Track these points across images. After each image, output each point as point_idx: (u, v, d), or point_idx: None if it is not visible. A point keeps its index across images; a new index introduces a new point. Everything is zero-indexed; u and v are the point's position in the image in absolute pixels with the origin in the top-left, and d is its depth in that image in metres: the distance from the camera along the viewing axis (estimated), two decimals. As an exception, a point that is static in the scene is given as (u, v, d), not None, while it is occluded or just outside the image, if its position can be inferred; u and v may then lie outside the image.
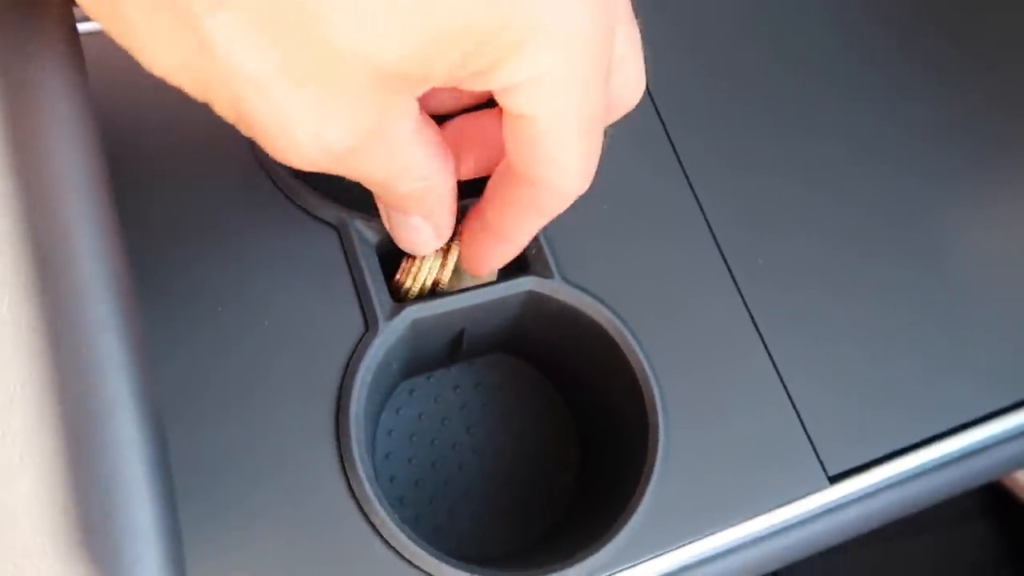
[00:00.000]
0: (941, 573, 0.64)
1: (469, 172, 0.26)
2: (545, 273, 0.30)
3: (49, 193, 0.17)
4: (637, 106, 0.34)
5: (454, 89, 0.23)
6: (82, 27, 0.28)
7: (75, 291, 0.16)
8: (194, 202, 0.28)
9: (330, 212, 0.29)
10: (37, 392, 0.15)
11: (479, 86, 0.19)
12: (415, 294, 0.29)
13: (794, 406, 0.30)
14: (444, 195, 0.24)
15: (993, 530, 0.65)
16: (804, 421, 0.30)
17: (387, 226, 0.26)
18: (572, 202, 0.23)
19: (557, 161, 0.21)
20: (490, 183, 0.25)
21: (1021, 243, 0.36)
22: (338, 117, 0.18)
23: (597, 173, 0.32)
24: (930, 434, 0.31)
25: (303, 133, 0.18)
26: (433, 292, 0.30)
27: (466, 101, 0.27)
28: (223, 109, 0.18)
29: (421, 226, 0.25)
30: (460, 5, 0.16)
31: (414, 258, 0.28)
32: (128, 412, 0.16)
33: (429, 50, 0.17)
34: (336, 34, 0.16)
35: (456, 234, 0.29)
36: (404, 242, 0.26)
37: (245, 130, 0.19)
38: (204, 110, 0.29)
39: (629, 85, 0.23)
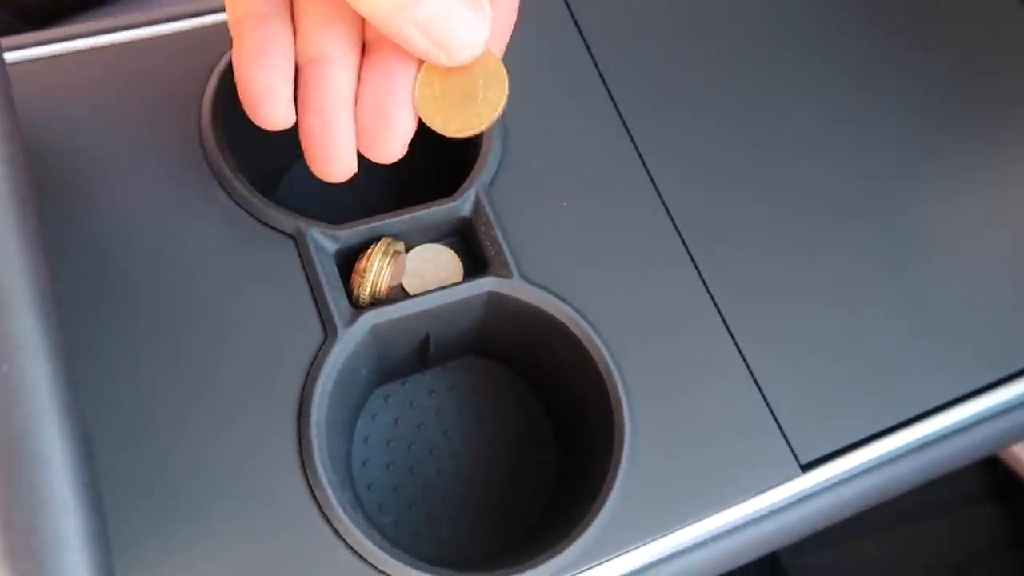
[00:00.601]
0: (947, 557, 0.63)
1: None
2: (504, 273, 0.30)
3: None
4: (593, 99, 0.34)
5: None
6: (11, 56, 0.28)
7: (-4, 309, 0.16)
8: (147, 214, 0.28)
9: (287, 222, 0.29)
10: (-43, 411, 0.15)
11: None
12: (367, 300, 0.29)
13: (763, 396, 0.30)
14: None
15: (1000, 512, 0.65)
16: (774, 410, 0.30)
17: (415, 42, 0.21)
18: None
19: None
20: None
21: (990, 224, 0.36)
22: None
23: (554, 169, 0.33)
24: (902, 419, 0.30)
25: None
26: (397, 296, 0.30)
27: None
28: None
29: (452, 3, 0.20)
30: None
31: (363, 263, 0.29)
32: (53, 426, 0.16)
33: None
34: None
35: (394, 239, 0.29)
36: (446, 44, 0.21)
37: None
38: (155, 122, 0.29)
39: None
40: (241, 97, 0.23)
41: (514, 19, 0.24)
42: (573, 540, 0.27)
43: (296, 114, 0.23)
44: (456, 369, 0.36)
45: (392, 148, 0.24)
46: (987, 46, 0.39)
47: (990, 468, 0.66)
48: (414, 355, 0.33)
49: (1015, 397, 0.31)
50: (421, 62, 0.23)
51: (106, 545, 0.16)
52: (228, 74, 0.31)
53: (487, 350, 0.35)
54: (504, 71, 0.24)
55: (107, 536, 0.16)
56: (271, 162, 0.35)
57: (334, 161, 0.24)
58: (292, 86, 0.23)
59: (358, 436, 0.35)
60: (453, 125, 0.24)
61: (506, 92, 0.24)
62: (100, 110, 0.30)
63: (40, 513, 0.15)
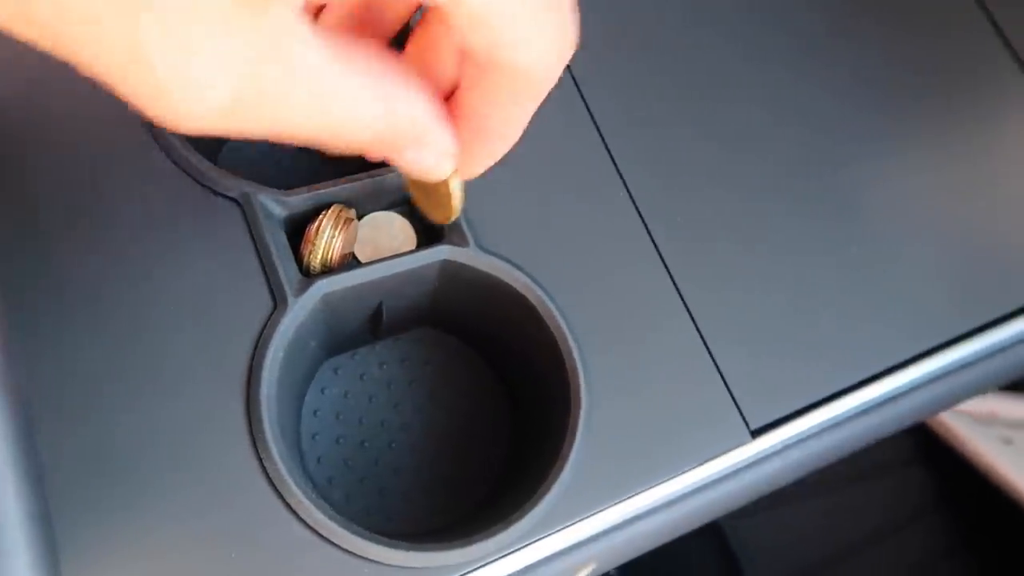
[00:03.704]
0: (877, 520, 0.66)
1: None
2: (460, 241, 0.29)
3: None
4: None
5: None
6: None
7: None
8: (85, 180, 0.26)
9: (232, 186, 0.28)
10: None
11: None
12: (318, 268, 0.28)
13: (715, 363, 0.30)
14: (420, 116, 0.20)
15: (928, 475, 0.68)
16: (726, 377, 0.30)
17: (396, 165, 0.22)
18: (555, 80, 0.20)
19: (519, 40, 0.18)
20: (463, 79, 0.21)
21: (928, 195, 0.37)
22: (205, 48, 0.15)
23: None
24: (847, 384, 0.31)
25: (167, 76, 0.15)
26: (347, 265, 0.29)
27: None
28: (89, 67, 0.15)
29: (420, 155, 0.21)
30: None
31: (314, 230, 0.28)
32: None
33: None
34: None
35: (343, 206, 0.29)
36: (413, 174, 0.22)
37: (121, 94, 0.16)
38: (92, 85, 0.28)
39: None
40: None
41: (493, 157, 0.23)
42: (529, 509, 0.27)
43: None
44: (407, 341, 0.35)
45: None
46: (937, 31, 0.40)
47: (915, 433, 0.69)
48: (365, 326, 0.33)
49: (950, 363, 0.33)
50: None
51: (48, 523, 0.15)
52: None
53: (440, 321, 0.35)
54: (455, 200, 0.25)
55: (49, 514, 0.16)
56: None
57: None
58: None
59: (307, 409, 0.34)
60: (429, 213, 0.27)
61: (455, 212, 0.25)
62: (35, 66, 0.28)
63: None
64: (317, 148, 0.19)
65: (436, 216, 0.27)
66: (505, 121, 0.21)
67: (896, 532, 0.66)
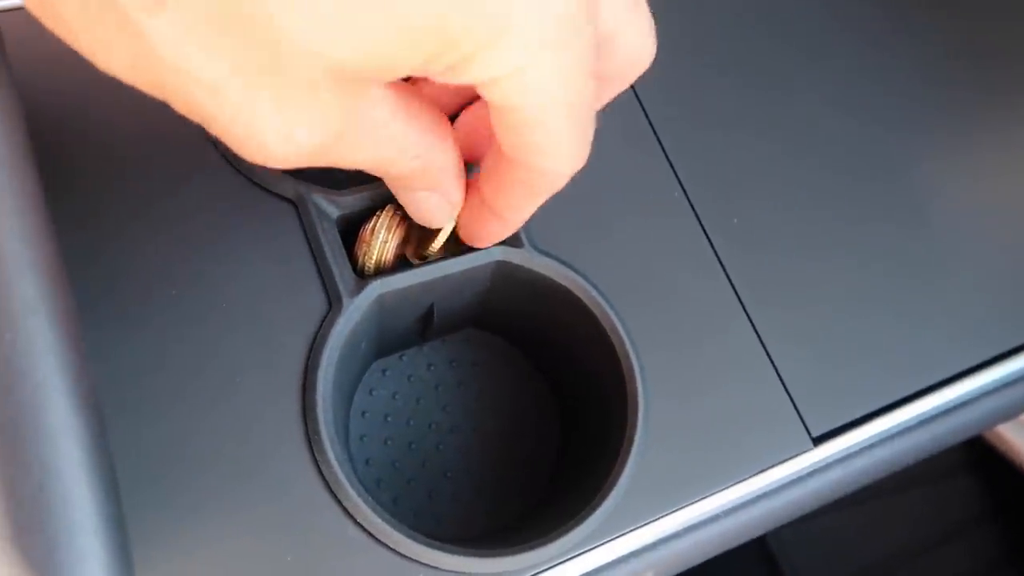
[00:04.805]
0: (927, 529, 0.65)
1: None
2: (514, 242, 0.29)
3: (-37, 168, 0.15)
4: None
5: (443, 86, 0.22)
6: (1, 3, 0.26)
7: (-4, 272, 0.15)
8: (141, 180, 0.26)
9: (287, 186, 0.27)
10: (-43, 382, 0.14)
11: (454, 80, 0.18)
12: (372, 269, 0.28)
13: (775, 368, 0.30)
14: (446, 167, 0.24)
15: (979, 484, 0.66)
16: (786, 383, 0.30)
17: (396, 197, 0.26)
18: (562, 185, 0.23)
19: (547, 148, 0.21)
20: (485, 161, 0.24)
21: (994, 198, 0.36)
22: (303, 115, 0.18)
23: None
24: (910, 391, 0.30)
25: (269, 134, 0.18)
26: (400, 266, 0.29)
27: (457, 100, 0.27)
28: (183, 109, 0.18)
29: (429, 198, 0.25)
30: (417, 10, 0.16)
31: (369, 230, 0.27)
32: (61, 398, 0.15)
33: (388, 49, 0.16)
34: (286, 34, 0.16)
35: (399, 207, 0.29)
36: (416, 215, 0.26)
37: (210, 129, 0.18)
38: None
39: (628, 57, 0.23)
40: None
41: (503, 236, 0.27)
42: (588, 515, 0.26)
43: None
44: (455, 342, 0.35)
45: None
46: (1006, 29, 0.39)
47: (968, 441, 0.67)
48: (415, 328, 0.32)
49: (1016, 371, 0.31)
50: None
51: (123, 529, 0.15)
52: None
53: (488, 323, 0.34)
54: (436, 243, 0.28)
55: (123, 516, 0.15)
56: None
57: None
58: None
59: (355, 410, 0.34)
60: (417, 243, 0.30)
61: (431, 252, 0.29)
62: (83, 65, 0.28)
63: (47, 495, 0.14)
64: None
65: (417, 248, 0.29)
66: (516, 209, 0.25)
67: (946, 542, 0.64)
